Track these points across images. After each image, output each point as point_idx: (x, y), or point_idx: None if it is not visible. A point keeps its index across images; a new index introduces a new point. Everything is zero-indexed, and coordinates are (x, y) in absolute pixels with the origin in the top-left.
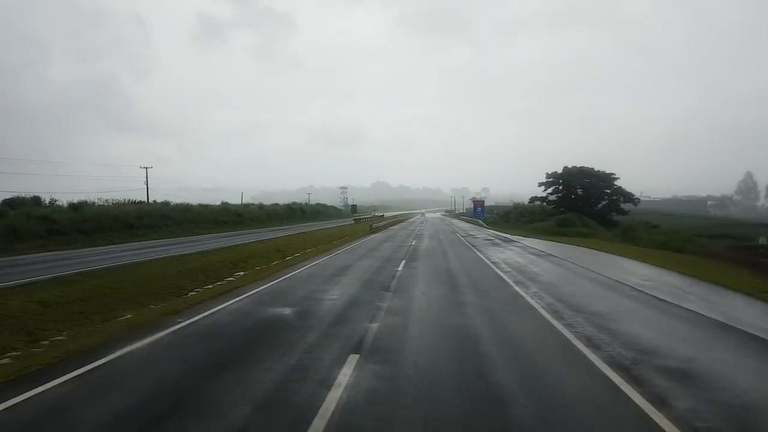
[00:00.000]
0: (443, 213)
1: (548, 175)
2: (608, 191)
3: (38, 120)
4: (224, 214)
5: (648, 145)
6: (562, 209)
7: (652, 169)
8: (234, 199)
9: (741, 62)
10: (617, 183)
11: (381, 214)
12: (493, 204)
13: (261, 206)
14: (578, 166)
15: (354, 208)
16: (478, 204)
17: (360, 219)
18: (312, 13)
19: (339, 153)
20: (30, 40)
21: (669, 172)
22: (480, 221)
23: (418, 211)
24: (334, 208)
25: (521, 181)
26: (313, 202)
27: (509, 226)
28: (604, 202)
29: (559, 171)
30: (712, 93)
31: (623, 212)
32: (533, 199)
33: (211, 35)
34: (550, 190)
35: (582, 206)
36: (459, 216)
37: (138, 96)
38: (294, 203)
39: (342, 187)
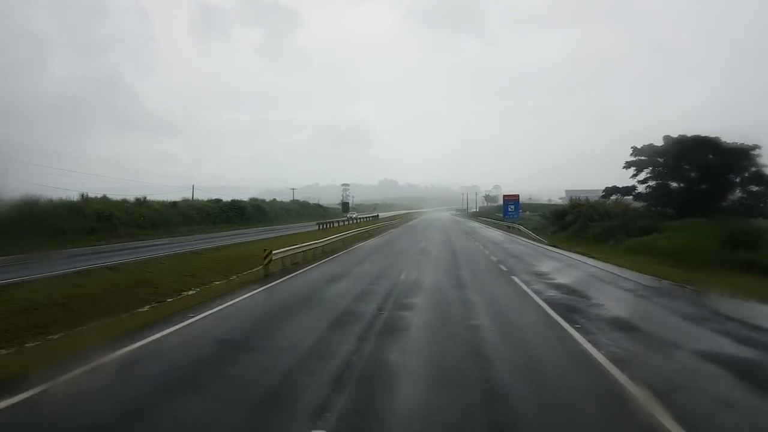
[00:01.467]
0: (454, 212)
1: (636, 151)
2: (737, 178)
3: (41, 117)
4: (72, 218)
5: (657, 142)
6: (666, 209)
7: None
8: (235, 197)
9: (755, 59)
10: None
11: (375, 214)
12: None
13: (174, 204)
14: (689, 135)
15: (346, 206)
16: (510, 200)
17: (329, 223)
18: (318, 8)
19: (346, 151)
20: (29, 34)
21: None
22: (520, 227)
23: (425, 210)
24: (318, 206)
25: (532, 179)
26: (312, 199)
27: (571, 236)
28: (735, 195)
29: (658, 143)
30: (724, 90)
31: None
32: (610, 192)
33: (215, 31)
34: (641, 176)
35: (700, 201)
36: (476, 217)
37: (142, 93)
38: (253, 200)
39: (344, 184)
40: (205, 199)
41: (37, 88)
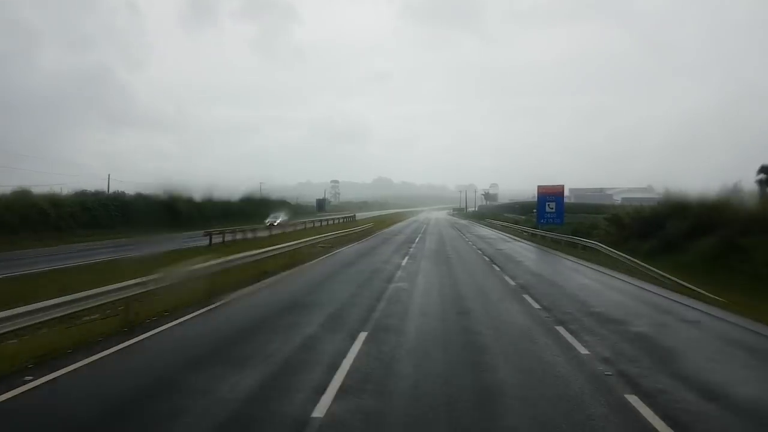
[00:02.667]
0: (450, 211)
1: None
2: None
3: (31, 112)
4: None
5: (657, 142)
6: None
7: (663, 166)
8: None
9: (755, 57)
10: None
11: (351, 214)
12: (508, 201)
13: None
14: None
15: (322, 204)
16: (549, 193)
17: (241, 232)
18: (312, 3)
19: (340, 149)
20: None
21: (678, 170)
22: (598, 245)
23: (420, 209)
24: (284, 202)
25: (531, 179)
26: (298, 198)
27: (704, 266)
28: None
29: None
30: (726, 88)
31: None
32: None
33: (208, 26)
34: None
35: None
36: (481, 219)
37: (134, 88)
38: (169, 192)
39: (333, 181)
40: (71, 193)
41: (25, 81)
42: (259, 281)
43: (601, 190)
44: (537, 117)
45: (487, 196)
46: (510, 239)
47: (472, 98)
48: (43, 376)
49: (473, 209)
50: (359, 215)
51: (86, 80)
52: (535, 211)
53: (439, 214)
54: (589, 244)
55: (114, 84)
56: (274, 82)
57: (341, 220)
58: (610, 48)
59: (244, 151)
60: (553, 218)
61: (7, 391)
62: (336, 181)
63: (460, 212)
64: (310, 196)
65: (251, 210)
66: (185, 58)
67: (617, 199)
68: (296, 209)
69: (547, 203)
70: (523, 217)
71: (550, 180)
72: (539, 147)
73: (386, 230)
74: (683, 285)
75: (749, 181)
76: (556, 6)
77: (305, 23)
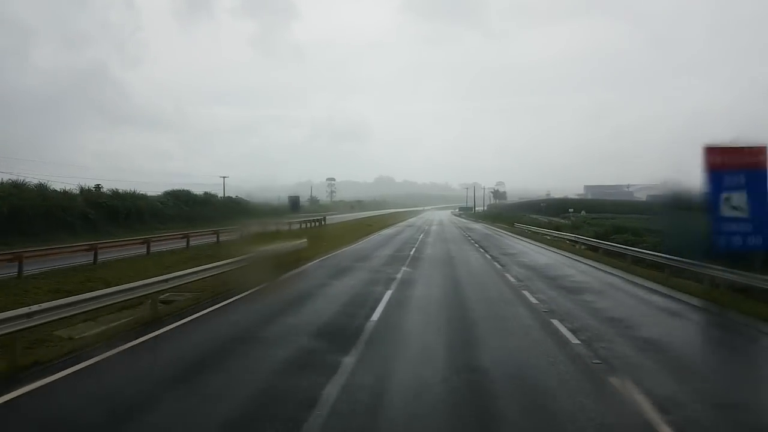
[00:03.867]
0: (455, 211)
1: None
2: None
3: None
4: None
5: (660, 140)
6: None
7: (670, 164)
8: None
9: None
10: None
11: (319, 217)
12: (517, 200)
13: None
14: None
15: (295, 203)
16: (737, 165)
17: None
18: (313, 1)
19: (342, 148)
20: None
21: (685, 167)
22: None
23: (422, 208)
24: (242, 202)
25: (534, 178)
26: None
27: None
28: None
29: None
30: (734, 84)
31: None
32: None
33: (207, 24)
34: None
35: None
36: (499, 222)
37: (132, 87)
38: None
39: (329, 179)
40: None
41: (19, 79)
42: None
43: (622, 187)
44: (541, 114)
45: (496, 194)
46: (667, 298)
47: (475, 96)
48: None
49: (481, 208)
50: (347, 216)
51: (82, 78)
52: (572, 210)
53: (442, 215)
54: None
55: (111, 82)
56: (274, 80)
57: (301, 227)
58: (614, 45)
59: (245, 151)
60: (747, 231)
61: None
62: (332, 179)
63: (467, 212)
64: (305, 196)
65: (175, 213)
66: (184, 57)
67: (640, 196)
68: (268, 210)
69: (724, 194)
70: (564, 220)
71: (555, 178)
72: (544, 145)
73: (346, 249)
74: None
75: None
76: (560, 1)
77: (305, 20)
